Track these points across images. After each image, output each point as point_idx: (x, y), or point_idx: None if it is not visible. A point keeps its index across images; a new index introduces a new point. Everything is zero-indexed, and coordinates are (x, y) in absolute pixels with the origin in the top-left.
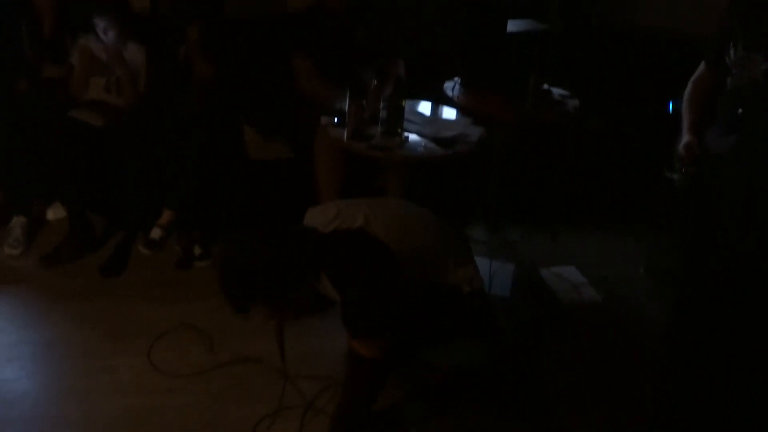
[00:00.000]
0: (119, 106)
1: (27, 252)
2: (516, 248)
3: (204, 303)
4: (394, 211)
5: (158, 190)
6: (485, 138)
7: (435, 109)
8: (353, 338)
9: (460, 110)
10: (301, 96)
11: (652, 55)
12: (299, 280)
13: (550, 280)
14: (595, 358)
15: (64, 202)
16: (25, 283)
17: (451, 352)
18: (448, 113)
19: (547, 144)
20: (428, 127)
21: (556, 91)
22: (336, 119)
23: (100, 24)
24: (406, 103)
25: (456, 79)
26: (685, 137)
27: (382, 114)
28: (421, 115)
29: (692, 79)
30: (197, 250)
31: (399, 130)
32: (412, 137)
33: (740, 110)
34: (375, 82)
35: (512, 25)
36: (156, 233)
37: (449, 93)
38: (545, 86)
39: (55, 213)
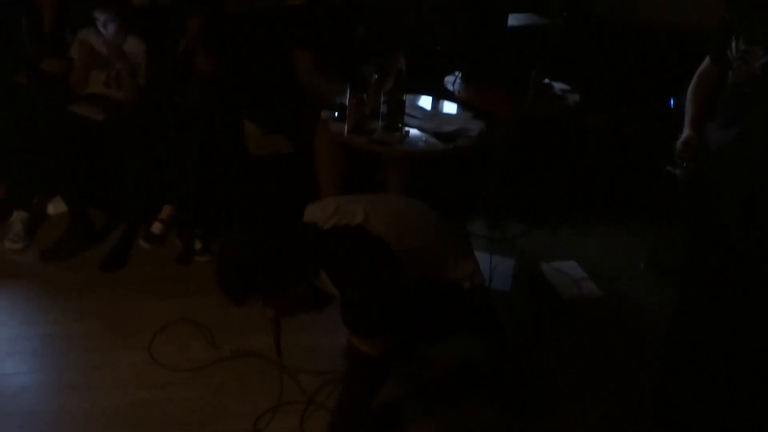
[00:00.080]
0: (119, 100)
1: (28, 247)
2: (516, 243)
3: (205, 298)
4: (394, 208)
5: (158, 185)
6: (486, 132)
7: (436, 104)
8: (353, 336)
9: (461, 105)
10: (302, 90)
11: (653, 49)
12: (297, 275)
13: (551, 274)
14: (596, 353)
15: (64, 197)
16: (26, 277)
17: (452, 348)
18: (449, 108)
19: (548, 138)
20: (429, 121)
21: (557, 86)
22: (336, 114)
23: (100, 18)
24: (407, 98)
25: (457, 73)
26: (685, 132)
27: (383, 108)
28: (422, 109)
29: (697, 73)
30: (198, 245)
31: (400, 125)
32: (413, 132)
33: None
34: (375, 76)
35: (513, 20)
36: (156, 228)
37: (450, 87)
38: (546, 81)
39: (55, 207)
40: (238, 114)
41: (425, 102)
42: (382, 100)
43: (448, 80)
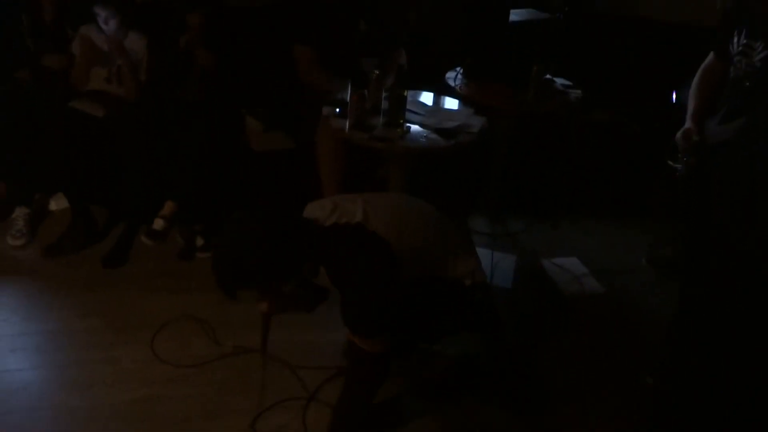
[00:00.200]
0: (120, 96)
1: (30, 243)
2: (518, 239)
3: (206, 294)
4: (394, 207)
5: (160, 181)
6: (487, 128)
7: (437, 100)
8: (353, 335)
9: (462, 100)
10: (303, 86)
11: (654, 45)
12: (292, 270)
13: (552, 271)
14: (597, 351)
15: (66, 193)
16: (28, 274)
17: (453, 346)
18: (450, 104)
19: (549, 134)
20: (430, 117)
21: (559, 81)
22: (337, 110)
23: (101, 14)
24: (408, 94)
25: (458, 69)
26: (686, 125)
27: (384, 104)
28: (423, 105)
29: (701, 67)
30: (199, 241)
31: (401, 121)
32: (414, 128)
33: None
34: (377, 72)
35: (514, 15)
36: (158, 224)
37: (451, 83)
38: (548, 76)
39: (57, 204)
40: (240, 110)
41: (426, 98)
42: (383, 96)
43: (450, 76)
